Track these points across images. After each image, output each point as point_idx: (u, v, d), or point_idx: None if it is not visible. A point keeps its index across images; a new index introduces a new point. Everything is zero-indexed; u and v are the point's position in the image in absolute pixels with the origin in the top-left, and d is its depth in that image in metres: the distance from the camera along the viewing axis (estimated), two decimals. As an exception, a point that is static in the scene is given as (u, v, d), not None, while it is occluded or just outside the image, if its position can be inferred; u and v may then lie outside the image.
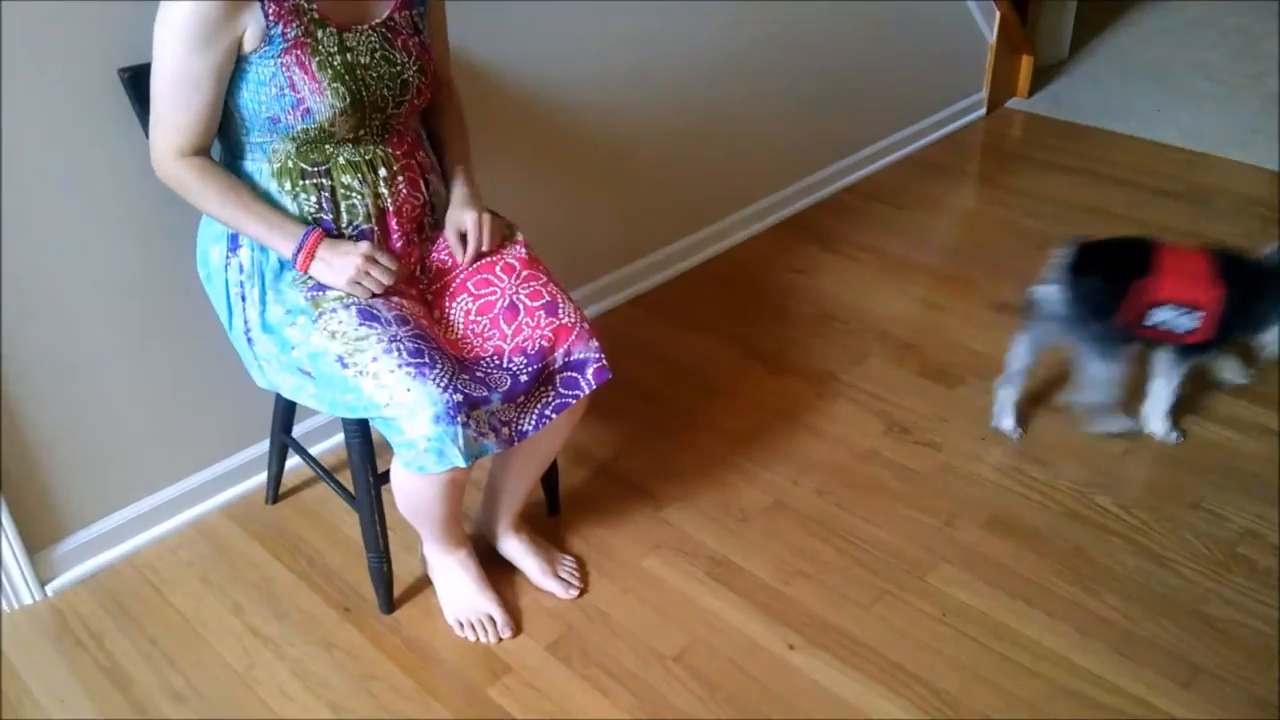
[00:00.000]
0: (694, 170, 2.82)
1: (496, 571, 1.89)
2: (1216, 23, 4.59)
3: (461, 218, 1.67)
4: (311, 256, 1.53)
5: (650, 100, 2.61)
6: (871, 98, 3.33)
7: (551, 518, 2.05)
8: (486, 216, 1.68)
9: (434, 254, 1.70)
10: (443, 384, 1.45)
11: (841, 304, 2.73)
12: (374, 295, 1.55)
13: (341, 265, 1.53)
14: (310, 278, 1.55)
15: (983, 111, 3.79)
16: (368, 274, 1.53)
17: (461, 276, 1.68)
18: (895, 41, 3.30)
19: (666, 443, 2.25)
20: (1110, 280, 2.00)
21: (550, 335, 1.61)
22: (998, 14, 3.61)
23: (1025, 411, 2.28)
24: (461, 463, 1.47)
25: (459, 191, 1.70)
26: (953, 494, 2.09)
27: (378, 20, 1.54)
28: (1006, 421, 2.23)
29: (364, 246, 1.54)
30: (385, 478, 1.69)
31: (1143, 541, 1.95)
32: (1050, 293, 2.03)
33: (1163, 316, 1.99)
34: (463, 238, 1.67)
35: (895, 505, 2.07)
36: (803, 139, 3.14)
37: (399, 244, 1.63)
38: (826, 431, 2.27)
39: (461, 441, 1.46)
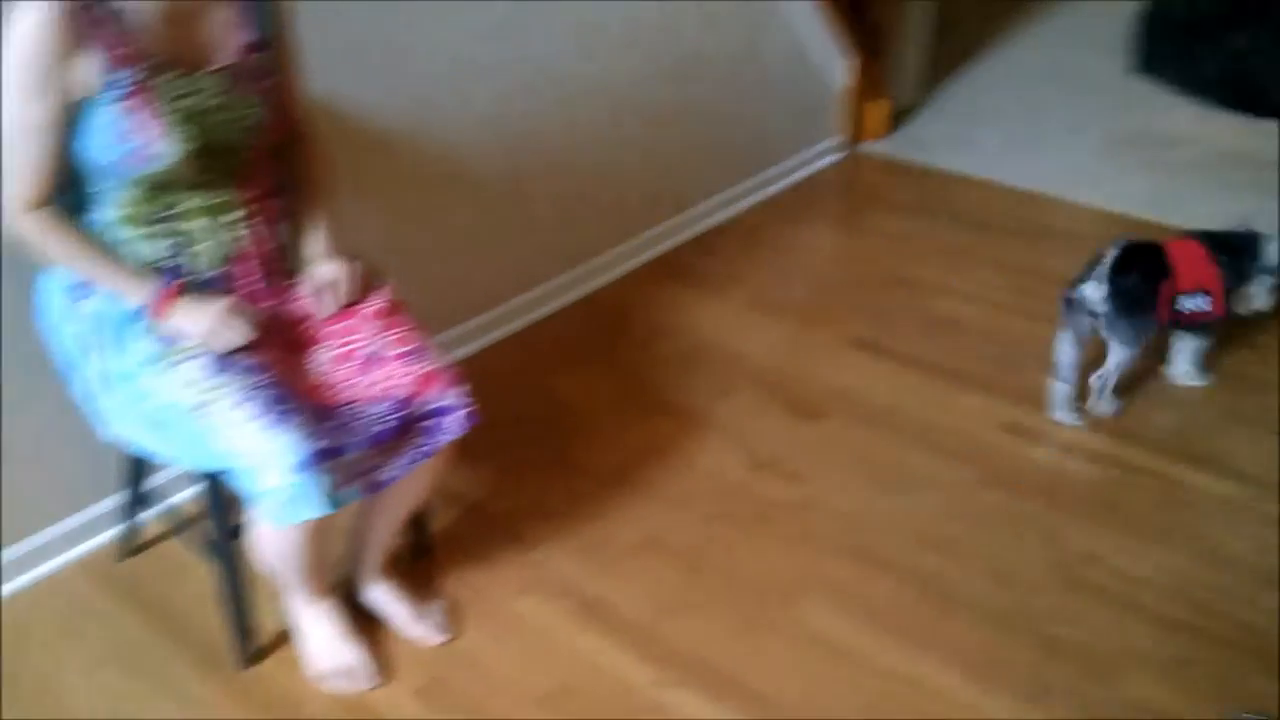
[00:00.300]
0: (564, 209, 2.85)
1: (363, 619, 1.86)
2: (1055, 68, 4.89)
3: (321, 270, 1.66)
4: (168, 307, 1.50)
5: (519, 139, 2.64)
6: (735, 141, 3.42)
7: (421, 562, 2.03)
8: (348, 267, 1.67)
9: (293, 300, 1.67)
10: (301, 433, 1.43)
11: (709, 342, 2.79)
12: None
13: (199, 317, 1.49)
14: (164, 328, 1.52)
15: (840, 154, 3.94)
16: (226, 327, 1.50)
17: (322, 325, 1.66)
18: (749, 87, 3.41)
19: (539, 482, 2.26)
20: (1147, 278, 2.33)
21: (414, 382, 1.60)
22: (850, 59, 3.77)
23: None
24: (321, 512, 1.45)
25: (318, 242, 1.69)
26: (817, 526, 2.15)
27: (223, 64, 1.52)
28: (1061, 414, 2.44)
29: (223, 301, 1.51)
30: (244, 529, 1.65)
31: (994, 566, 2.05)
32: (1094, 291, 2.31)
33: (1185, 304, 2.36)
34: (324, 289, 1.65)
35: (761, 539, 2.12)
36: (671, 180, 3.21)
37: (254, 289, 1.60)
38: (695, 468, 2.32)
39: (321, 491, 1.44)
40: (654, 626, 1.91)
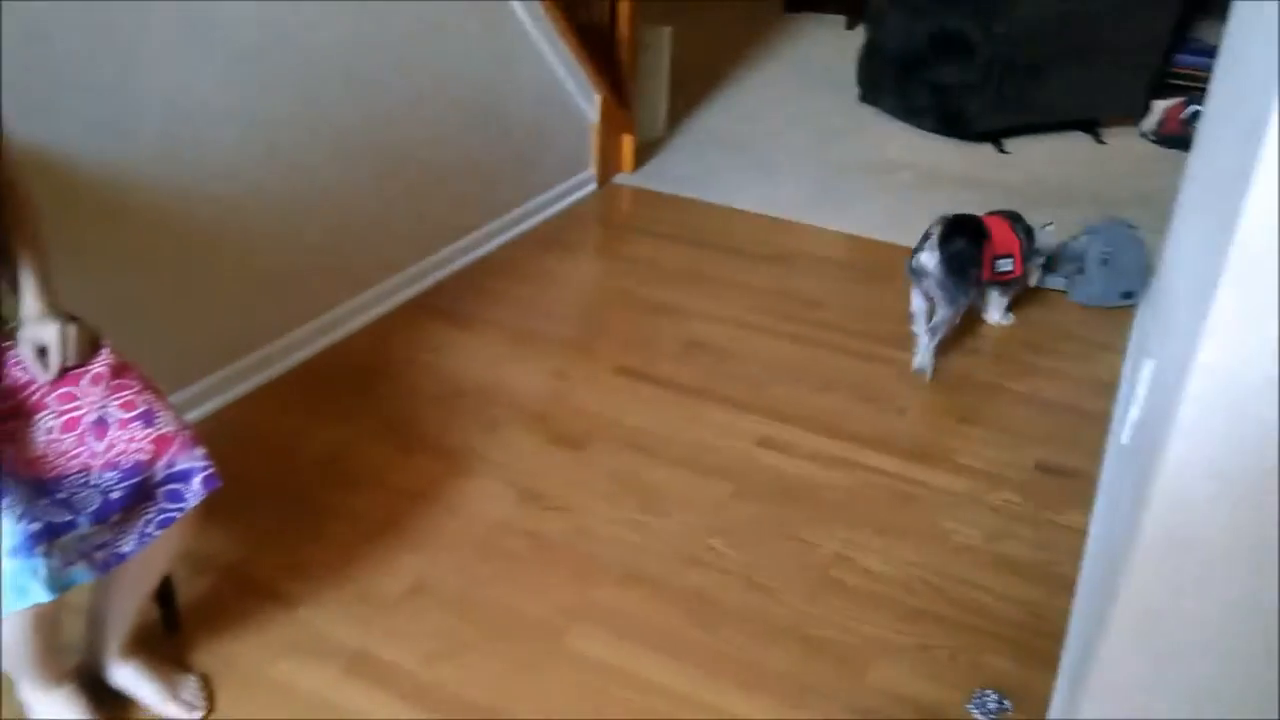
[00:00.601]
0: (309, 253, 2.78)
1: (110, 703, 1.73)
2: (788, 101, 5.20)
3: (39, 332, 1.54)
4: None
5: (255, 182, 2.55)
6: (487, 177, 3.44)
7: (170, 635, 1.91)
8: (68, 328, 1.56)
9: (6, 368, 1.55)
10: (15, 513, 1.32)
11: (471, 379, 2.78)
12: None
13: None
14: None
15: (594, 187, 4.04)
16: None
17: (41, 392, 1.54)
18: (503, 125, 3.45)
19: (297, 539, 2.18)
20: (972, 243, 2.83)
21: (149, 447, 1.51)
22: (598, 97, 3.88)
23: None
24: (45, 597, 1.35)
25: (33, 302, 1.57)
26: (585, 555, 2.19)
27: None
28: (921, 358, 2.88)
29: None
30: (-40, 621, 1.50)
31: (752, 577, 2.14)
32: (928, 258, 2.77)
33: (1000, 265, 2.93)
34: (42, 353, 1.54)
35: (531, 573, 2.13)
36: (423, 219, 3.19)
37: (-46, 361, 1.48)
38: (461, 508, 2.30)
39: (43, 574, 1.34)
40: (424, 674, 1.88)
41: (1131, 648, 1.29)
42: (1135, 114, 4.92)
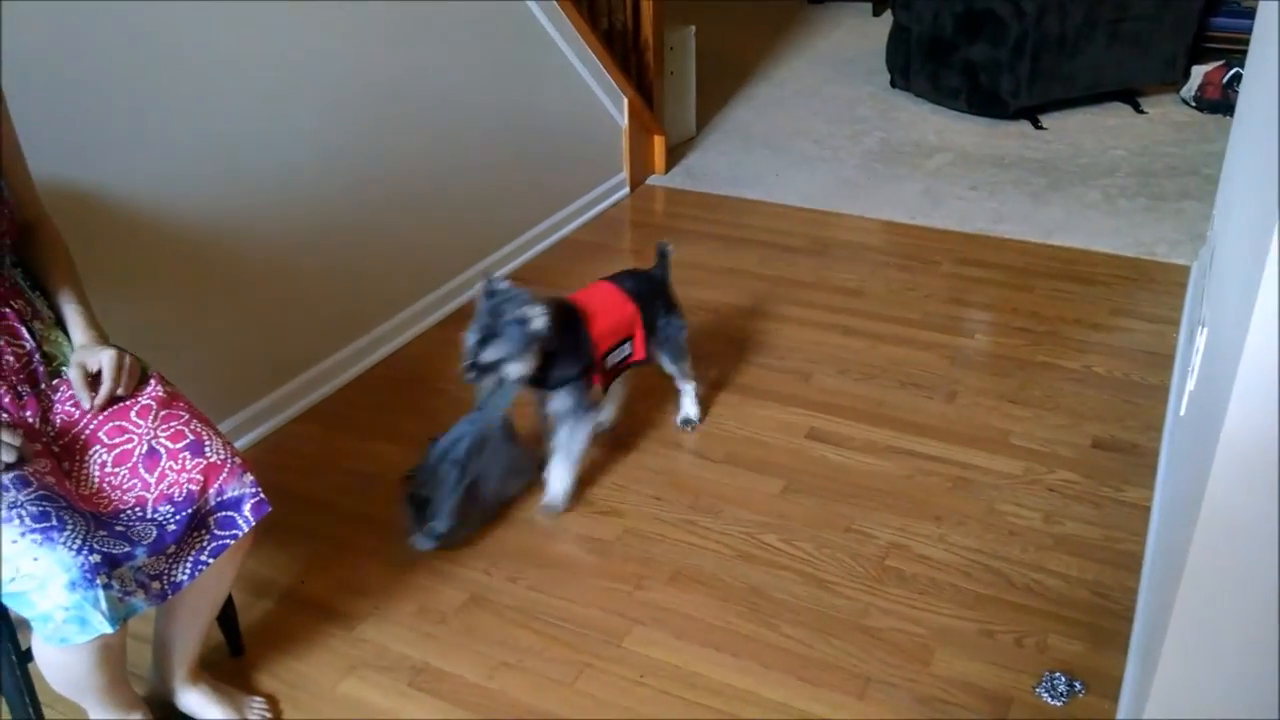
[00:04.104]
0: (351, 274, 2.80)
1: (180, 729, 1.76)
2: (817, 92, 5.17)
3: (88, 359, 1.57)
4: None
5: (297, 208, 2.58)
6: (521, 188, 3.46)
7: (235, 658, 1.94)
8: (119, 355, 1.59)
9: (58, 405, 1.58)
10: (75, 546, 1.35)
11: (515, 389, 2.78)
12: None
13: None
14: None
15: (627, 190, 4.04)
16: None
17: (93, 426, 1.57)
18: (534, 134, 3.46)
19: (353, 558, 2.20)
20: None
21: (199, 477, 1.53)
22: (626, 100, 3.88)
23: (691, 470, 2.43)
24: (107, 629, 1.37)
25: (80, 333, 1.60)
26: (638, 557, 2.18)
27: None
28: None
29: None
30: (31, 655, 1.53)
31: (808, 570, 2.13)
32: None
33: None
34: (91, 381, 1.57)
35: (585, 578, 2.13)
36: (459, 234, 3.21)
37: (6, 399, 1.50)
38: (513, 516, 2.31)
39: (104, 605, 1.36)
40: (487, 684, 1.88)
41: (1199, 625, 1.26)
42: (1175, 81, 4.82)
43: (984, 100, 4.65)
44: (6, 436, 1.41)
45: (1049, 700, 1.82)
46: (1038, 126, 4.57)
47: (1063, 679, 1.84)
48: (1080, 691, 1.83)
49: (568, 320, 2.16)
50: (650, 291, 2.40)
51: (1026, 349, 2.90)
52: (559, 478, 2.29)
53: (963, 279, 3.31)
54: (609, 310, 2.28)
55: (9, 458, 1.41)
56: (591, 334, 2.21)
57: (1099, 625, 1.97)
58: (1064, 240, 3.54)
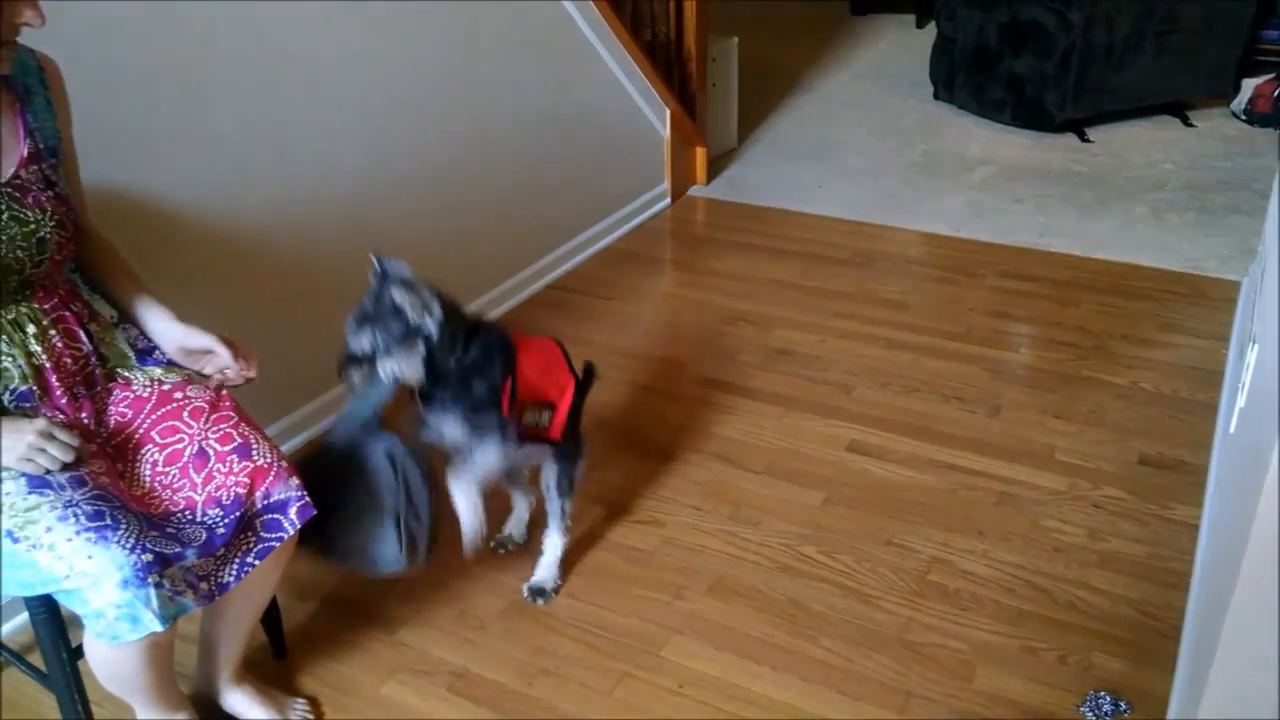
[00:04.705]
0: (395, 284, 2.83)
1: (224, 728, 1.78)
2: (860, 104, 5.15)
3: (190, 337, 1.63)
4: None
5: (337, 215, 2.61)
6: (563, 198, 3.48)
7: (278, 660, 1.96)
8: (221, 338, 1.65)
9: (112, 406, 1.61)
10: (128, 545, 1.37)
11: (556, 398, 2.80)
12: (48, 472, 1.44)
13: (13, 441, 1.42)
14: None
15: (668, 201, 4.05)
16: (43, 451, 1.42)
17: (145, 426, 1.60)
18: (576, 144, 3.49)
19: (395, 562, 2.22)
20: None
21: (246, 480, 1.56)
22: (668, 111, 3.89)
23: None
24: (158, 627, 1.39)
25: (164, 320, 1.65)
26: (677, 567, 2.18)
27: (2, 180, 1.47)
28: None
29: (40, 423, 1.44)
30: (81, 652, 1.56)
31: (848, 584, 2.11)
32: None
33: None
34: (192, 357, 1.64)
35: (625, 587, 2.13)
36: (502, 243, 3.23)
37: (63, 400, 1.54)
38: (553, 525, 2.32)
39: (155, 604, 1.38)
40: (526, 691, 1.89)
41: (1250, 647, 1.23)
42: (1224, 94, 4.76)
43: (1029, 113, 4.61)
44: (64, 436, 1.44)
45: (1093, 719, 1.79)
46: (1084, 139, 4.52)
47: (1107, 698, 1.82)
48: (1126, 711, 1.80)
49: (480, 334, 1.83)
50: (582, 389, 2.02)
51: (1072, 364, 2.87)
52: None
53: (1007, 292, 3.28)
54: (546, 363, 1.94)
55: (67, 457, 1.44)
56: (515, 370, 1.85)
57: (1144, 644, 1.94)
58: (1111, 254, 3.50)
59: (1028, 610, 2.03)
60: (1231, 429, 2.01)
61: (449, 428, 1.79)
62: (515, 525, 2.24)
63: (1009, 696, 1.84)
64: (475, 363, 1.79)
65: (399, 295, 1.68)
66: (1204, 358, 2.86)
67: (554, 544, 2.09)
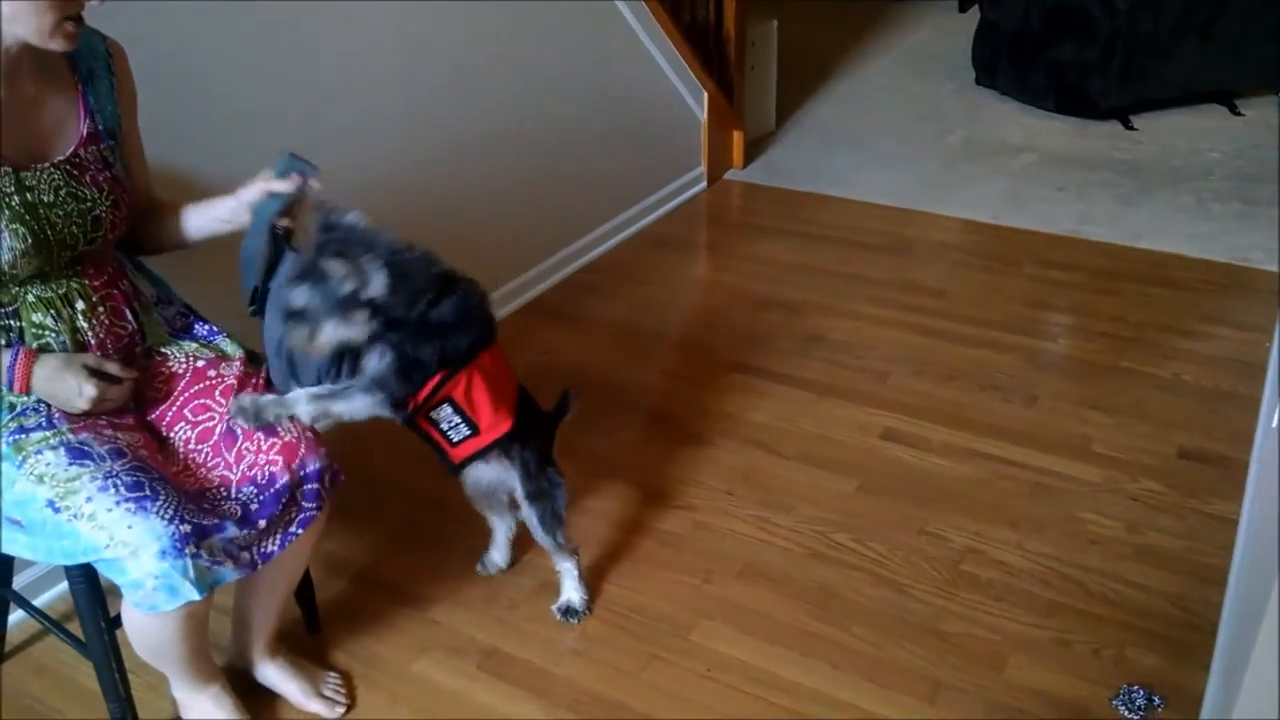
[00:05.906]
0: (431, 264, 2.84)
1: (256, 700, 1.81)
2: (900, 89, 5.10)
3: (246, 192, 1.59)
4: (27, 374, 1.45)
5: (372, 198, 2.62)
6: (599, 180, 3.47)
7: (311, 635, 1.98)
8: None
9: (148, 386, 1.63)
10: (167, 515, 1.39)
11: (590, 381, 2.80)
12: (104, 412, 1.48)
13: (63, 376, 1.45)
14: (11, 421, 1.46)
15: (704, 185, 4.03)
16: (89, 382, 1.46)
17: (179, 404, 1.62)
18: (614, 126, 3.48)
19: (427, 540, 2.23)
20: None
21: (277, 457, 1.57)
22: (706, 94, 3.87)
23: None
24: (195, 596, 1.41)
25: (215, 200, 1.64)
26: (708, 551, 2.18)
27: (61, 157, 1.49)
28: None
29: (85, 356, 1.48)
30: (119, 621, 1.59)
31: (880, 571, 2.10)
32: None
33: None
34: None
35: (656, 570, 2.13)
36: (537, 224, 3.23)
37: (106, 377, 1.56)
38: (586, 507, 2.32)
39: (193, 574, 1.40)
40: (555, 670, 1.90)
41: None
42: (1273, 84, 4.66)
43: (1072, 100, 4.54)
44: (114, 369, 1.49)
45: (1126, 714, 1.77)
46: (1128, 127, 4.45)
47: (1141, 692, 1.80)
48: (1160, 706, 1.78)
49: (458, 291, 1.65)
50: (534, 416, 1.86)
51: (1111, 354, 2.83)
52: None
53: (1046, 281, 3.24)
54: (499, 392, 1.74)
55: (122, 374, 1.50)
56: (473, 362, 1.68)
57: (1180, 639, 1.92)
58: (1153, 244, 3.45)
59: (1061, 602, 2.01)
60: (1274, 424, 1.97)
61: (371, 363, 1.59)
62: (498, 550, 2.11)
63: (1040, 688, 1.83)
64: (441, 321, 1.61)
65: (332, 266, 1.50)
66: (1247, 350, 2.81)
67: (566, 569, 2.00)
